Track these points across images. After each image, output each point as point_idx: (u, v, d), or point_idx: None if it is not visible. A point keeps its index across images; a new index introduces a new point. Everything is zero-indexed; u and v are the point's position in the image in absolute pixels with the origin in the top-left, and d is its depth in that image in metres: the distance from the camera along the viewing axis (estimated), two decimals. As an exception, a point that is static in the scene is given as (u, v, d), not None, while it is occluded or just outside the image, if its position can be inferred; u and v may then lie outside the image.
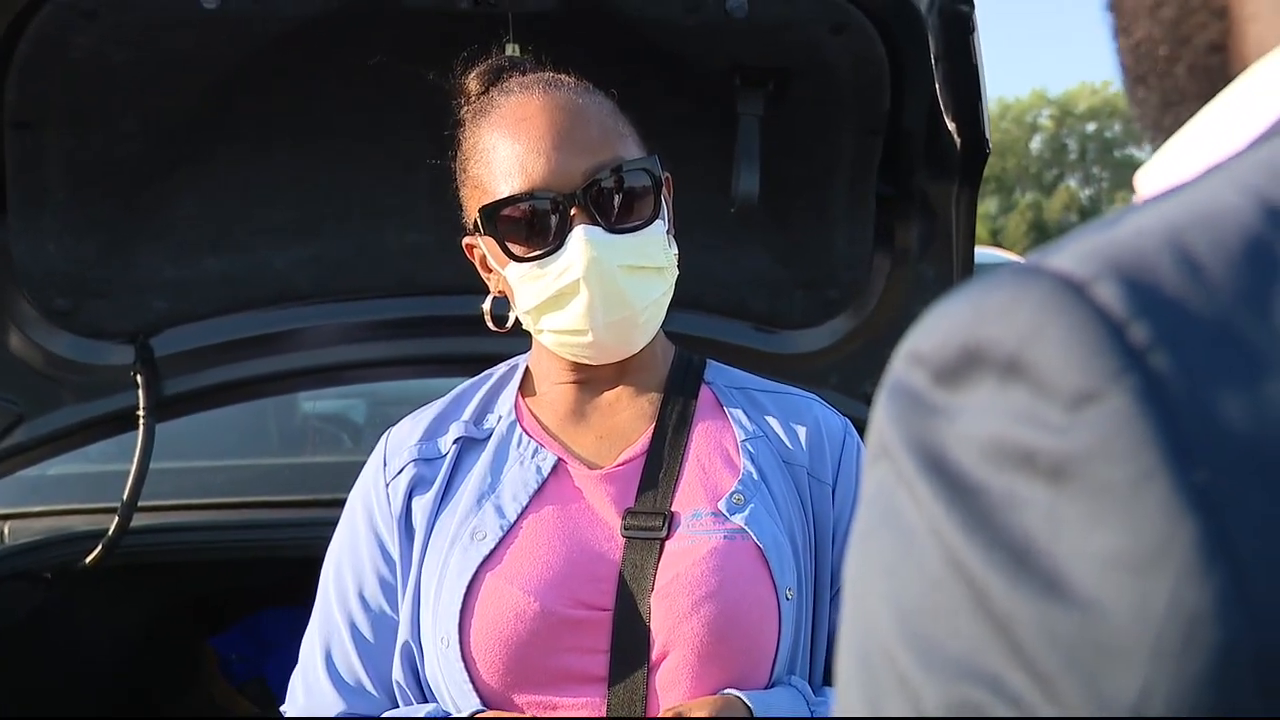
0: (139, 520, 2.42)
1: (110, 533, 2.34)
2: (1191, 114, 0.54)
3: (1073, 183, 62.04)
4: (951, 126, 2.00)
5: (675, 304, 2.18)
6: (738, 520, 1.29)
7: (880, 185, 2.17)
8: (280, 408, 3.78)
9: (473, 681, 1.27)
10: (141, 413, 2.24)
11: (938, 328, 0.44)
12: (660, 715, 1.22)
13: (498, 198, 1.31)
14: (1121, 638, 0.39)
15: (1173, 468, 0.39)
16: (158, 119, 2.09)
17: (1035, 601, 0.40)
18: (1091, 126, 61.52)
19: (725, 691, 1.25)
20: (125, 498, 2.31)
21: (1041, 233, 51.64)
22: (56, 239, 2.15)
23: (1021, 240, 47.61)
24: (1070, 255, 0.43)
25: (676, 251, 1.37)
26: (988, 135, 2.01)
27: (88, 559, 2.37)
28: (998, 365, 0.42)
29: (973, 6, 1.88)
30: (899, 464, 0.44)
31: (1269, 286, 0.41)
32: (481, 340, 2.23)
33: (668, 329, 1.43)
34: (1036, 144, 62.10)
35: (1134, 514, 0.39)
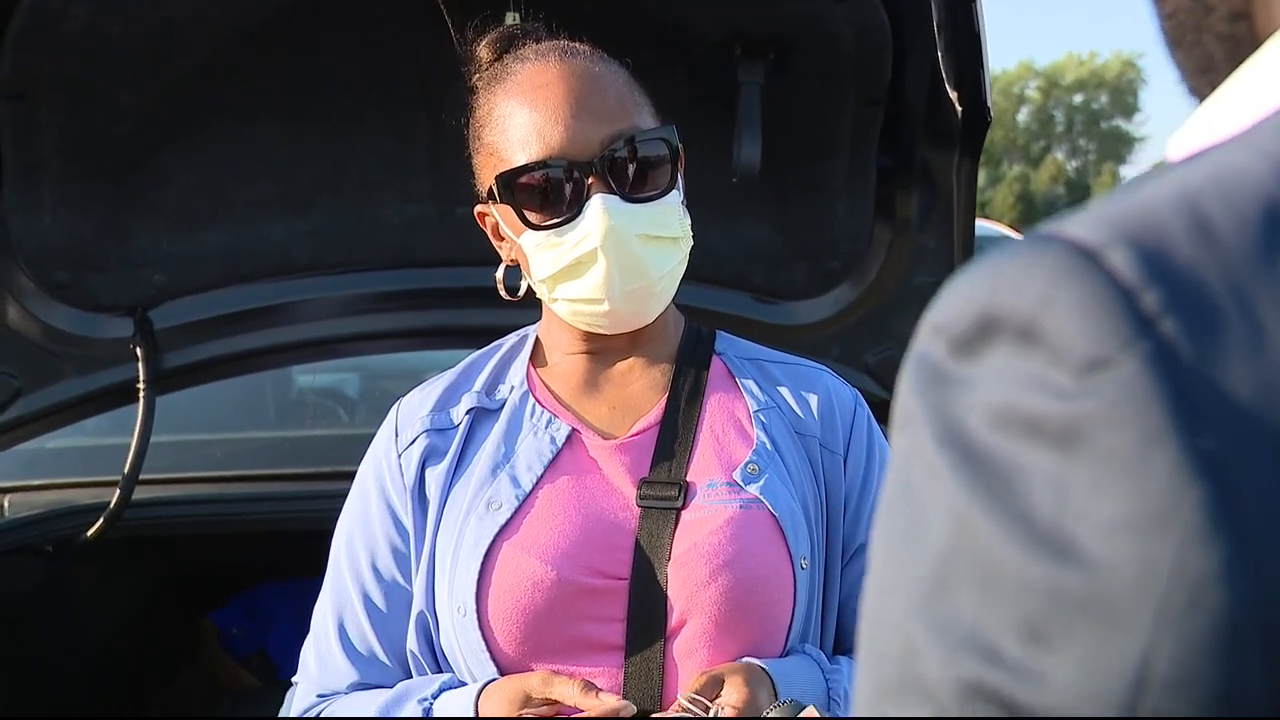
0: (139, 494, 2.42)
1: (111, 506, 2.33)
2: (1224, 79, 0.54)
3: (1060, 154, 62.05)
4: (953, 96, 1.99)
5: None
6: (753, 490, 1.30)
7: (881, 156, 2.17)
8: (275, 381, 3.78)
9: (489, 650, 1.27)
10: (141, 385, 2.24)
11: (957, 298, 0.45)
12: (695, 678, 1.23)
13: (515, 165, 1.30)
14: (1126, 600, 0.39)
15: (1181, 433, 0.39)
16: (153, 91, 2.08)
17: (1043, 566, 0.40)
18: (1078, 98, 61.47)
19: (744, 660, 1.26)
20: (126, 470, 2.31)
21: (1029, 204, 51.68)
22: (53, 212, 2.13)
23: (1009, 212, 47.65)
24: (1085, 222, 0.43)
25: (690, 222, 1.37)
26: (989, 105, 2.01)
27: (89, 532, 2.36)
28: (1012, 332, 0.42)
29: (975, -27, 1.87)
30: (917, 434, 0.45)
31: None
32: (481, 312, 2.24)
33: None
34: (1023, 116, 62.06)
35: (1141, 478, 0.39)
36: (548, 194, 1.30)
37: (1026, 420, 0.41)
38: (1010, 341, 0.42)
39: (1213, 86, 0.56)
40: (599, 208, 1.27)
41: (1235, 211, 0.42)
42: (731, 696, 1.21)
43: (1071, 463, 0.40)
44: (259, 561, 3.03)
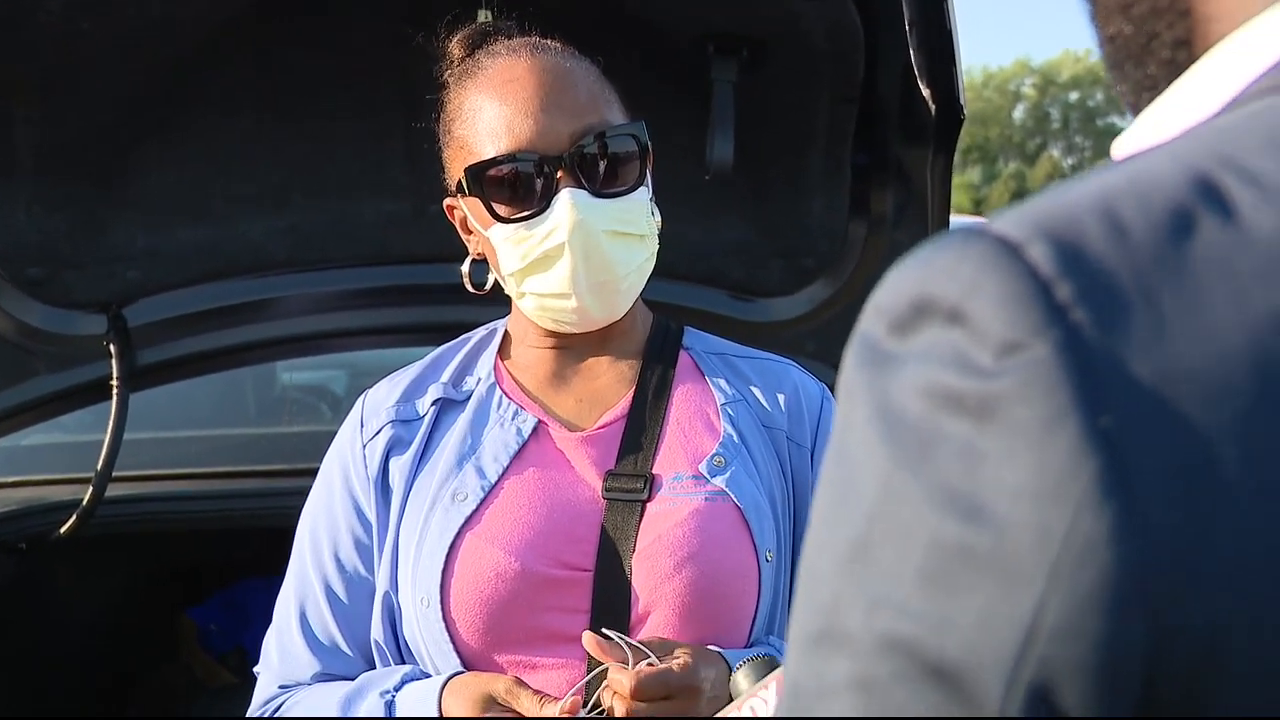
0: (116, 490, 2.41)
1: (84, 503, 2.33)
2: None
3: (1056, 152, 62.03)
4: (926, 93, 1.99)
5: (651, 273, 2.18)
6: (719, 482, 1.31)
7: (855, 153, 2.17)
8: (261, 378, 3.78)
9: (453, 641, 1.28)
10: (115, 382, 2.23)
11: (896, 284, 0.49)
12: (647, 641, 1.24)
13: (484, 158, 1.31)
14: (1024, 557, 0.44)
15: (1082, 412, 0.43)
16: (128, 87, 2.07)
17: (955, 525, 0.45)
18: (1074, 95, 61.45)
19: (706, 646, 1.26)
20: (99, 467, 2.31)
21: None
22: (27, 208, 2.13)
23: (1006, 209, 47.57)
24: (1011, 219, 0.48)
25: (660, 219, 1.37)
26: (962, 102, 2.01)
27: (62, 529, 2.36)
28: (942, 315, 0.47)
29: (945, -29, 1.87)
30: (854, 407, 0.49)
31: (1185, 250, 0.45)
32: (458, 308, 2.23)
33: (644, 297, 1.43)
34: (1019, 113, 62.05)
35: (1045, 450, 0.43)
36: (516, 187, 1.30)
37: (949, 394, 0.45)
38: (940, 323, 0.46)
39: (1153, 102, 0.59)
40: (567, 202, 1.28)
41: (1147, 213, 0.46)
42: (675, 661, 1.21)
43: (985, 434, 0.44)
44: (239, 558, 3.03)
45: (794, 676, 0.49)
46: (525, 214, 1.30)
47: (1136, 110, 0.61)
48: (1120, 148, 0.58)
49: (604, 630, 1.23)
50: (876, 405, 0.47)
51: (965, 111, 2.04)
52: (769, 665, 1.15)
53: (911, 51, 1.94)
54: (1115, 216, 0.46)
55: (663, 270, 2.31)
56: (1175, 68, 0.58)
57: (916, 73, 1.97)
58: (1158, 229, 0.45)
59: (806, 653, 0.49)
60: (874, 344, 0.49)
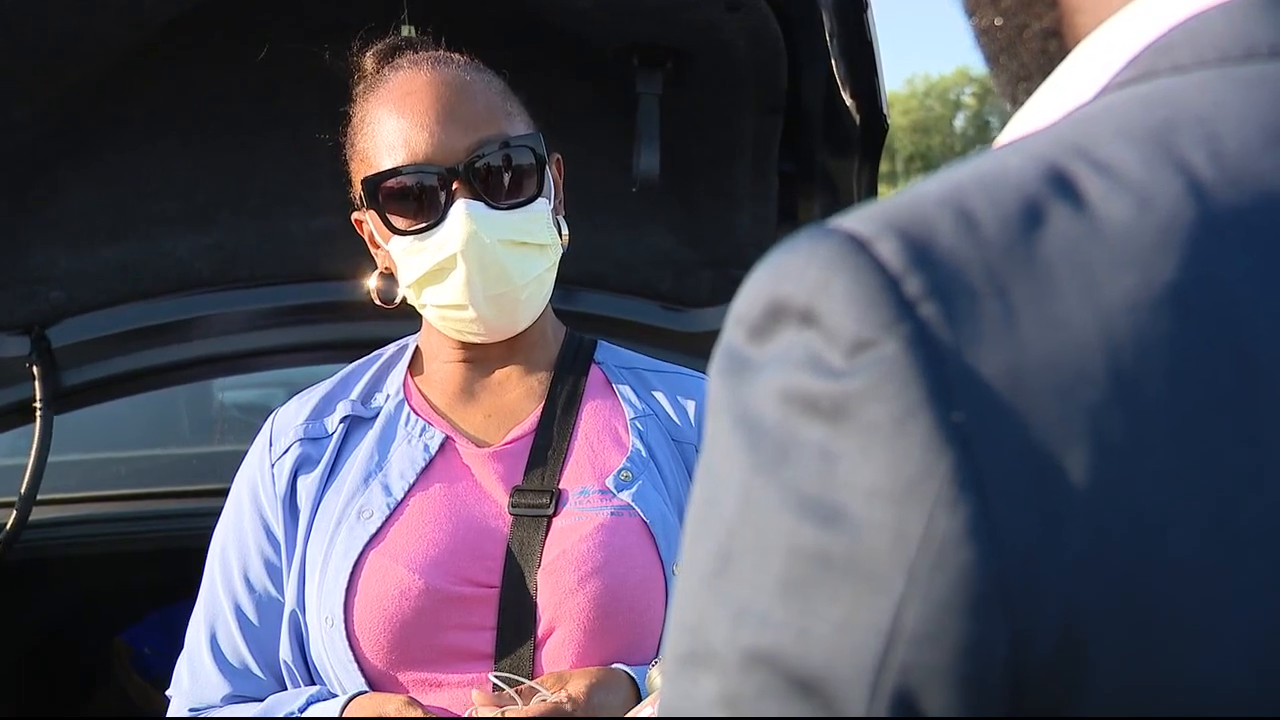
0: (44, 514, 2.37)
1: (7, 529, 2.29)
2: (1038, 88, 0.58)
3: (996, 159, 62.54)
4: (850, 103, 2.01)
5: (581, 285, 2.17)
6: (625, 497, 1.30)
7: (782, 163, 2.18)
8: (196, 397, 3.73)
9: (357, 660, 1.27)
10: (38, 405, 2.20)
11: (750, 290, 0.48)
12: (541, 678, 1.23)
13: (380, 170, 1.30)
14: (882, 561, 0.43)
15: (934, 407, 0.43)
16: (47, 105, 2.04)
17: (812, 531, 0.43)
18: (1014, 103, 62.16)
19: (611, 666, 1.25)
20: (22, 491, 2.27)
21: (967, 209, 52.15)
22: (-56, 230, 2.09)
23: (947, 216, 47.98)
24: (859, 217, 0.47)
25: (566, 232, 1.37)
26: (885, 111, 2.03)
27: (-14, 556, 2.31)
28: (795, 317, 0.46)
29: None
30: (719, 418, 0.48)
31: (1035, 241, 0.44)
32: (389, 324, 2.21)
33: (574, 310, 1.43)
34: (960, 121, 62.73)
35: (898, 449, 0.43)
36: (412, 199, 1.30)
37: (803, 398, 0.45)
38: (793, 325, 0.46)
39: (1028, 93, 0.60)
40: (462, 213, 1.28)
41: (996, 206, 0.45)
42: (571, 692, 1.20)
43: (840, 435, 0.44)
44: (172, 579, 2.98)
45: (667, 700, 0.48)
46: (421, 226, 1.30)
47: (1014, 101, 0.61)
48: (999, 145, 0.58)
49: (493, 676, 1.23)
50: (737, 414, 0.46)
51: (889, 120, 2.07)
52: None
53: (833, 61, 1.96)
54: (965, 210, 0.45)
55: (593, 282, 2.30)
56: (1047, 58, 0.58)
57: (839, 82, 1.99)
58: (1008, 221, 0.45)
59: (677, 674, 0.48)
60: (734, 352, 0.48)
